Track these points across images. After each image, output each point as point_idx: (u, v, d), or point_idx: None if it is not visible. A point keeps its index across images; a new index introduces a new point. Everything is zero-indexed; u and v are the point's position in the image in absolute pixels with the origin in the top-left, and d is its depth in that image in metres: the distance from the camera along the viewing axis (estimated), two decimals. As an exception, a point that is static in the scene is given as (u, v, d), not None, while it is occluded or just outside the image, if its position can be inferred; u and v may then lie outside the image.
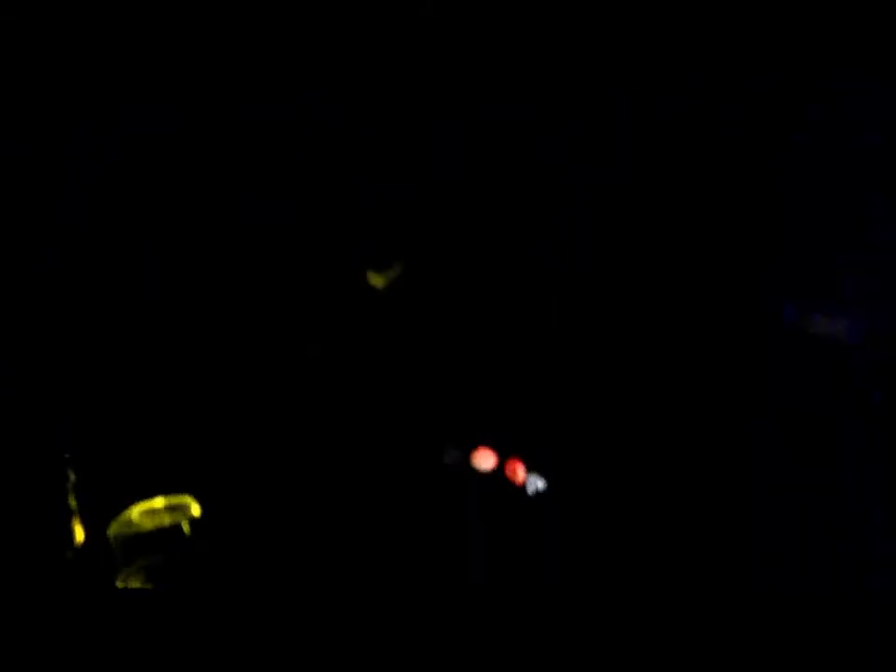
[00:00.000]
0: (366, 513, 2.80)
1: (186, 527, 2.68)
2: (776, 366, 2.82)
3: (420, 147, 2.90)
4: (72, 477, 2.74)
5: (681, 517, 2.78)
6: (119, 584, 2.68)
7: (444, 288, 2.90)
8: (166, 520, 2.69)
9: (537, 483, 2.79)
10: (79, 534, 2.71)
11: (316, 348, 2.88)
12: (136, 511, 2.70)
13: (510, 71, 2.86)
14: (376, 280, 2.75)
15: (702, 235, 2.87)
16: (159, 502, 2.71)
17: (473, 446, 2.83)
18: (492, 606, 2.74)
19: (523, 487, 2.80)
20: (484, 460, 2.80)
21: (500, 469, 2.83)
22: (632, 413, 2.83)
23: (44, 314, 2.85)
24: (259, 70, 2.86)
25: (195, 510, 2.70)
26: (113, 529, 2.68)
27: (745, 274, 2.84)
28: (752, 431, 2.80)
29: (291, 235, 2.89)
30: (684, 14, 2.83)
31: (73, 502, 2.72)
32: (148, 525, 2.69)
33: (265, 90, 2.88)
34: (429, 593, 2.76)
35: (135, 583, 2.67)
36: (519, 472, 2.79)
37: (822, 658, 2.67)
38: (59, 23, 2.83)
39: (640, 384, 2.84)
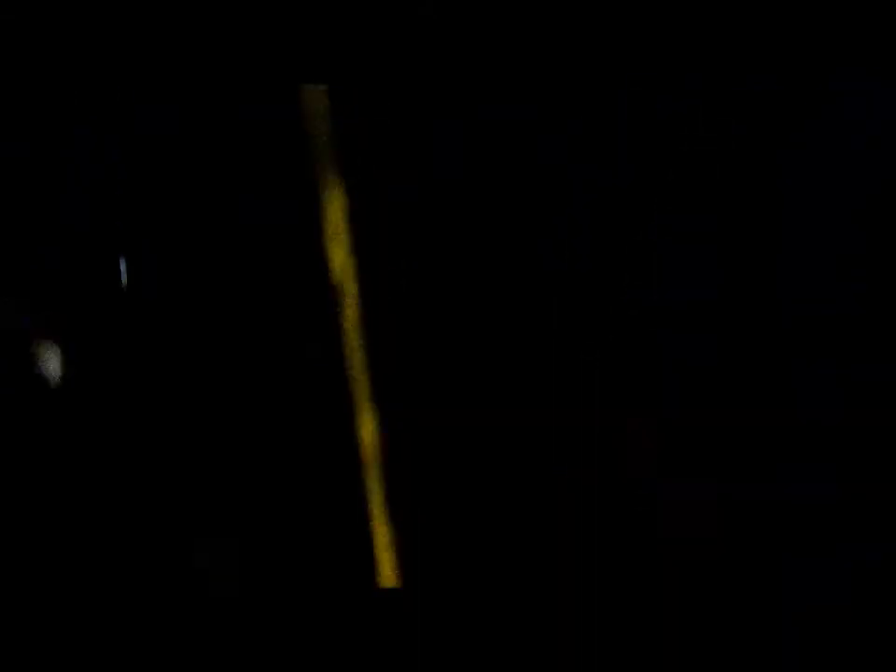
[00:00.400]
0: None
1: None
2: (777, 371, 2.82)
3: (420, 147, 2.90)
4: None
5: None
6: None
7: (444, 289, 2.90)
8: None
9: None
10: None
11: (316, 348, 2.89)
12: None
13: (510, 71, 2.86)
14: None
15: (702, 235, 2.87)
16: None
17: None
18: None
19: None
20: None
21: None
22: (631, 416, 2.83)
23: (44, 314, 2.85)
24: (258, 70, 2.87)
25: None
26: None
27: (744, 274, 2.85)
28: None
29: (291, 236, 2.89)
30: (684, 14, 2.83)
31: None
32: None
33: (265, 90, 2.89)
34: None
35: None
36: None
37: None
38: (58, 23, 2.83)
39: (639, 384, 2.85)
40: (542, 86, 2.89)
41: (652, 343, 2.86)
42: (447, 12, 2.86)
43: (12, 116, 2.85)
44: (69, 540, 2.77)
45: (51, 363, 2.68)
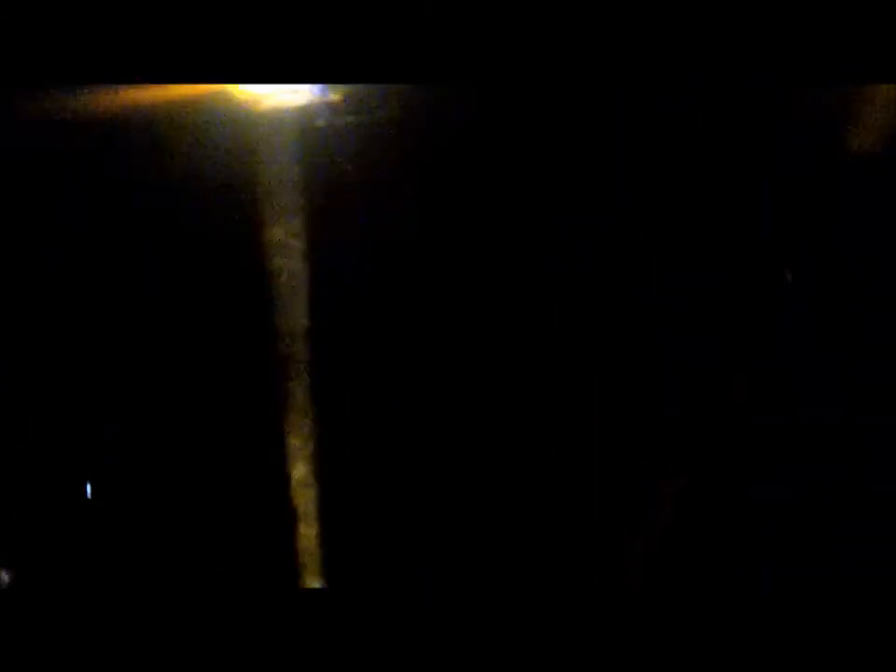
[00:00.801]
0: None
1: None
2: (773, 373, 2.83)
3: (419, 147, 2.90)
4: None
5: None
6: None
7: (445, 288, 2.90)
8: None
9: None
10: None
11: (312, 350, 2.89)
12: None
13: (510, 71, 2.86)
14: None
15: (701, 234, 2.87)
16: None
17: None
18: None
19: None
20: None
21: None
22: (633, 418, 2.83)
23: (44, 314, 2.85)
24: (257, 71, 2.86)
25: None
26: None
27: (741, 274, 2.85)
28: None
29: (292, 236, 2.89)
30: (684, 14, 2.83)
31: None
32: None
33: (265, 90, 2.88)
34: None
35: None
36: None
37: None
38: (59, 23, 2.83)
39: (642, 383, 2.85)
40: (542, 86, 2.88)
41: (652, 343, 2.86)
42: (447, 12, 2.86)
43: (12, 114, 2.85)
44: None
45: None
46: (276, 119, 2.90)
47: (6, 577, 2.69)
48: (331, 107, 2.89)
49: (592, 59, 2.84)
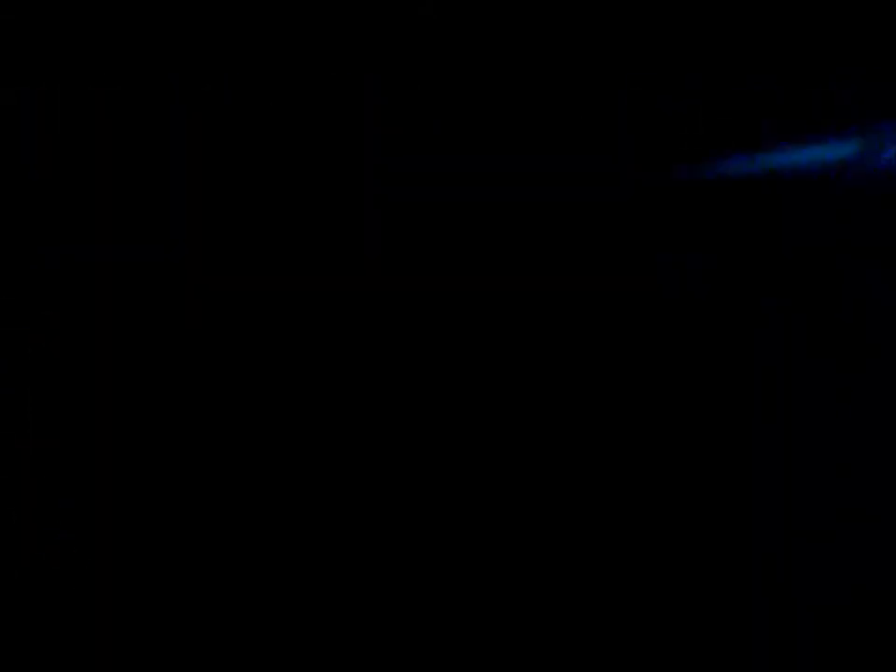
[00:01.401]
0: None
1: None
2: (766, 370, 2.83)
3: (419, 147, 2.91)
4: None
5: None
6: None
7: (445, 287, 2.91)
8: None
9: None
10: None
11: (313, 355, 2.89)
12: None
13: (510, 71, 2.87)
14: None
15: (700, 233, 2.87)
16: None
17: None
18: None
19: None
20: None
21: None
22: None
23: (44, 314, 2.86)
24: (255, 74, 2.87)
25: None
26: None
27: (739, 276, 2.85)
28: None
29: (292, 238, 2.90)
30: (684, 14, 2.84)
31: None
32: None
33: (263, 91, 2.89)
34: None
35: None
36: None
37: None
38: (61, 24, 2.83)
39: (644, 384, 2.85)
40: (543, 85, 2.89)
41: None
42: (447, 12, 2.86)
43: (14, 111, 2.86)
44: None
45: None
46: None
47: None
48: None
49: (592, 59, 2.85)
